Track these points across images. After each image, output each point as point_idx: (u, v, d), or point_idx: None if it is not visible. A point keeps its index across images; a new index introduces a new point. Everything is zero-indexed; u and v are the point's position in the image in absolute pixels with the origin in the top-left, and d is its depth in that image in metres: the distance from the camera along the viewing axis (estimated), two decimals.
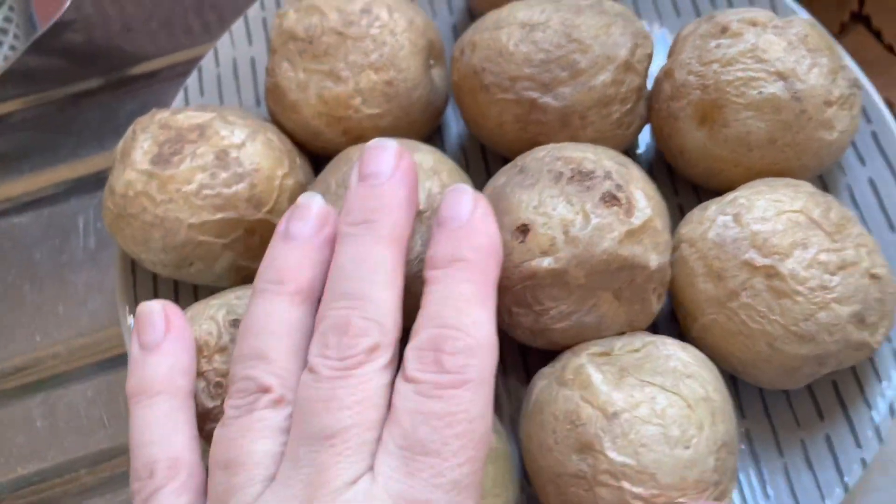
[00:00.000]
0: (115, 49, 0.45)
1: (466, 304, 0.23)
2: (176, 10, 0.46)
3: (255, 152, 0.30)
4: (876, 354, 0.29)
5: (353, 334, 0.22)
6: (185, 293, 0.33)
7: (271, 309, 0.24)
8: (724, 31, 0.29)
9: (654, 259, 0.26)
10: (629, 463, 0.24)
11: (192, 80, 0.37)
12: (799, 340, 0.26)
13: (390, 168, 0.25)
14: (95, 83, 0.44)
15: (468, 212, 0.25)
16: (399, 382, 0.22)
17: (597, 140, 0.30)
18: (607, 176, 0.26)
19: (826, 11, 0.48)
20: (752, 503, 0.28)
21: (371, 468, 0.21)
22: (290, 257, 0.24)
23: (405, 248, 0.24)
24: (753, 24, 0.29)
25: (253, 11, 0.38)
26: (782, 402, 0.29)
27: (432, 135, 0.35)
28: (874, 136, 0.32)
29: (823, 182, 0.32)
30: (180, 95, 0.37)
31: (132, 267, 0.33)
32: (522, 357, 0.31)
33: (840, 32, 0.46)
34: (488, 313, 0.23)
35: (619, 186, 0.26)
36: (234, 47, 0.37)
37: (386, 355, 0.22)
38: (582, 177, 0.26)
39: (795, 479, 0.28)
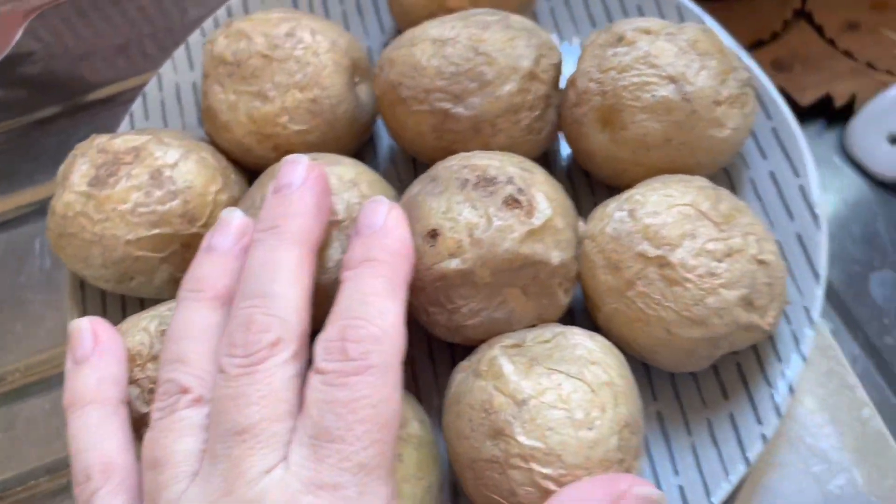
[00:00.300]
0: (73, 77, 0.46)
1: (374, 296, 0.24)
2: (132, 37, 0.47)
3: (189, 171, 0.32)
4: (777, 338, 0.31)
5: (256, 331, 0.23)
6: (133, 307, 0.34)
7: (190, 315, 0.25)
8: (620, 39, 0.31)
9: (556, 255, 0.28)
10: (537, 446, 0.25)
11: (136, 105, 0.38)
12: (691, 324, 0.27)
13: (301, 179, 0.26)
14: (53, 110, 0.45)
15: (382, 219, 0.26)
16: (310, 375, 0.23)
17: (510, 145, 0.32)
18: (509, 181, 0.28)
19: (769, 8, 0.49)
20: (662, 480, 0.29)
21: (285, 458, 0.22)
22: (208, 267, 0.26)
23: (313, 249, 0.26)
24: (647, 32, 0.31)
25: (194, 38, 0.40)
26: (691, 384, 0.31)
27: (362, 148, 0.37)
28: (774, 131, 0.34)
29: (729, 175, 0.34)
30: (126, 120, 0.38)
31: (81, 284, 0.35)
32: (451, 354, 0.33)
33: (783, 28, 0.48)
34: (395, 304, 0.24)
35: (520, 190, 0.28)
36: (177, 73, 0.39)
37: (289, 349, 0.23)
38: (486, 183, 0.28)
39: (702, 456, 0.29)
